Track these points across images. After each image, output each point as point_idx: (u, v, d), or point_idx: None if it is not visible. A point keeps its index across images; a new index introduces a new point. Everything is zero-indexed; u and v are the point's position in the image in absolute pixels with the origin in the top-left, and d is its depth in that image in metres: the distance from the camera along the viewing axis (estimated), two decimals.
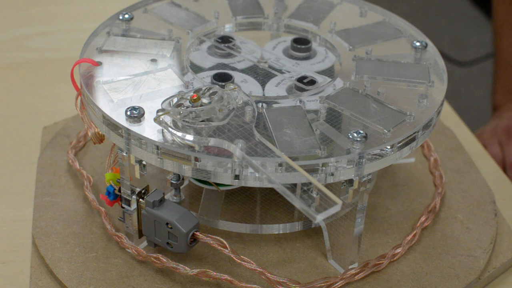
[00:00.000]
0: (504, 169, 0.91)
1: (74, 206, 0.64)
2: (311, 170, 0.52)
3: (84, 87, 0.58)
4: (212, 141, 0.53)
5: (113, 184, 0.59)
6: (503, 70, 1.14)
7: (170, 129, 0.53)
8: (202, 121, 0.54)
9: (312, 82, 0.61)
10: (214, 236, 0.56)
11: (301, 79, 0.61)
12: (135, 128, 0.54)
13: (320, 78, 0.62)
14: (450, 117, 0.82)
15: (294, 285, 0.56)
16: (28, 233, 0.63)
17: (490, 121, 1.07)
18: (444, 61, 0.65)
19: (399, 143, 0.55)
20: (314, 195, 0.52)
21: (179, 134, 0.53)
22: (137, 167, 0.56)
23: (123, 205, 0.58)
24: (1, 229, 0.64)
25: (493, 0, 1.15)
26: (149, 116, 0.55)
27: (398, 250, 0.60)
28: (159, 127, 0.54)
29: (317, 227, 0.63)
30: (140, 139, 0.53)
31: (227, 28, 0.71)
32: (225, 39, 0.67)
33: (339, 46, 0.67)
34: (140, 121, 0.54)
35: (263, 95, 0.61)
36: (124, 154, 0.56)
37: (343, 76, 0.62)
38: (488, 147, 0.93)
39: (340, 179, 0.53)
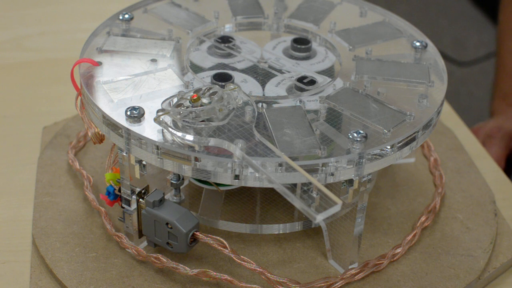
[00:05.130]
0: None
1: (74, 206, 0.64)
2: (311, 170, 0.52)
3: (84, 87, 0.58)
4: (212, 141, 0.53)
5: (113, 184, 0.59)
6: (502, 76, 1.14)
7: (170, 129, 0.53)
8: (202, 121, 0.54)
9: (312, 82, 0.61)
10: (214, 236, 0.56)
11: (301, 79, 0.61)
12: (135, 128, 0.54)
13: (320, 78, 0.62)
14: (450, 117, 0.82)
15: (294, 285, 0.56)
16: (28, 233, 0.63)
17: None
18: (444, 61, 0.65)
19: (399, 143, 0.55)
20: (314, 195, 0.52)
21: (179, 134, 0.53)
22: (137, 167, 0.56)
23: (123, 205, 0.58)
24: (1, 229, 0.64)
25: (500, 7, 1.16)
26: (149, 116, 0.55)
27: (398, 250, 0.60)
28: (159, 127, 0.54)
29: (317, 227, 0.63)
30: (140, 139, 0.53)
31: (227, 28, 0.71)
32: (225, 39, 0.67)
33: (339, 46, 0.67)
34: (140, 121, 0.54)
35: (263, 95, 0.61)
36: (124, 154, 0.56)
37: (343, 76, 0.62)
38: None
39: (340, 179, 0.53)
